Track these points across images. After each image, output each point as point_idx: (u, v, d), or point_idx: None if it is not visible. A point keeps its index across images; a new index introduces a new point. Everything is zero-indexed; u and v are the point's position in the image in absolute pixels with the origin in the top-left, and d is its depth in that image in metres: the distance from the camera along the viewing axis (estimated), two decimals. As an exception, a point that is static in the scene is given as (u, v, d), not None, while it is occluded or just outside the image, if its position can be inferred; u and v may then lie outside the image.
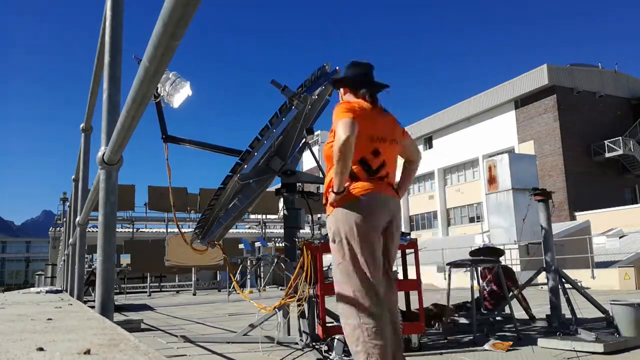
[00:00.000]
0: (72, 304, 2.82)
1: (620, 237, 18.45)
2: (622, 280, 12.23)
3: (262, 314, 4.44)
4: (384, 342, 2.39)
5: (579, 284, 5.35)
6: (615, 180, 30.47)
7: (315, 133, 5.19)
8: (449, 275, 5.50)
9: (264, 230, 24.70)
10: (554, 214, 5.55)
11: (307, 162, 36.12)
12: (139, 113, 1.39)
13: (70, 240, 5.27)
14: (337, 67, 4.64)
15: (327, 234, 3.41)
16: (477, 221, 32.17)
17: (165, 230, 22.73)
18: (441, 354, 3.80)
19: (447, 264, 5.58)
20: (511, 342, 4.00)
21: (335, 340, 3.68)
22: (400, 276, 4.75)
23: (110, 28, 1.87)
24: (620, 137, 29.67)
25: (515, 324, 4.59)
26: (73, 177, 5.34)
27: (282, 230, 8.70)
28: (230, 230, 5.35)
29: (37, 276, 28.10)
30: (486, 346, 3.97)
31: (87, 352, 0.97)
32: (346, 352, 3.69)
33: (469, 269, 5.11)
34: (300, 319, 4.10)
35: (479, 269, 5.39)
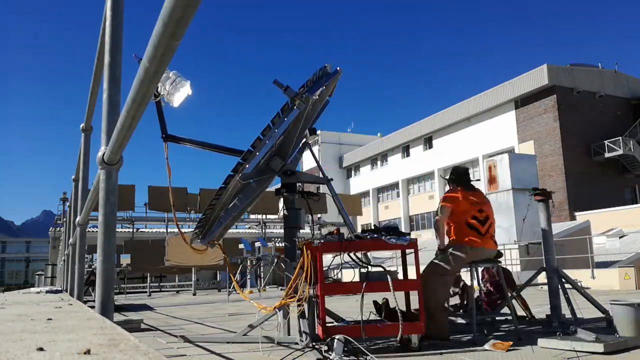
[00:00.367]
0: (72, 304, 2.82)
1: (620, 237, 18.45)
2: (622, 280, 12.23)
3: (262, 314, 4.44)
4: None
5: (579, 284, 5.35)
6: (615, 180, 30.49)
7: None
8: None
9: (264, 230, 24.69)
10: (554, 214, 5.55)
11: (307, 162, 36.13)
12: (139, 113, 1.39)
13: (70, 240, 5.27)
14: (339, 68, 4.63)
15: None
16: (477, 221, 32.15)
17: (165, 230, 22.71)
18: (441, 354, 3.80)
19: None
20: (511, 342, 4.00)
21: (335, 340, 3.68)
22: (400, 276, 4.75)
23: (110, 28, 1.87)
24: (620, 137, 29.69)
25: (515, 324, 4.59)
26: (73, 177, 5.34)
27: (282, 230, 8.71)
28: (230, 230, 5.36)
29: (37, 276, 28.12)
30: (486, 346, 3.97)
31: (87, 352, 0.97)
32: (346, 352, 3.69)
33: (468, 269, 5.10)
34: (300, 319, 4.09)
35: (479, 269, 5.39)
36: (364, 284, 4.00)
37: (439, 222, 4.75)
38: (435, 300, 4.36)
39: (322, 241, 4.08)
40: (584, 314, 5.13)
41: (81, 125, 4.01)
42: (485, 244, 4.62)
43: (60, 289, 6.84)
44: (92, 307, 2.04)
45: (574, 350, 3.68)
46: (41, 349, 1.05)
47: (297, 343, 4.13)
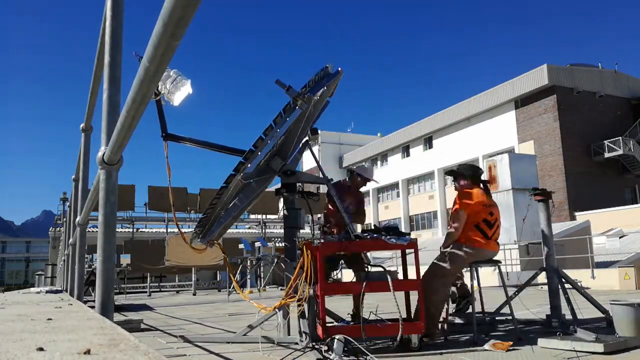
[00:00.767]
0: (72, 304, 2.82)
1: (620, 237, 18.44)
2: (622, 280, 12.22)
3: (262, 314, 4.44)
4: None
5: (579, 284, 5.35)
6: (615, 180, 30.48)
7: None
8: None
9: (264, 230, 24.69)
10: (554, 214, 5.54)
11: (307, 162, 36.14)
12: (139, 113, 1.39)
13: (70, 240, 5.27)
14: (340, 69, 4.63)
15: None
16: (477, 221, 32.16)
17: (165, 230, 22.72)
18: (441, 354, 3.80)
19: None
20: (511, 342, 4.00)
21: (335, 340, 3.68)
22: (400, 276, 4.75)
23: (110, 28, 1.87)
24: (620, 137, 29.68)
25: (515, 324, 4.59)
26: (73, 177, 5.34)
27: (282, 230, 8.70)
28: (230, 230, 5.36)
29: (37, 276, 28.10)
30: (486, 346, 3.97)
31: (87, 352, 0.97)
32: (346, 352, 3.69)
33: (468, 269, 5.10)
34: (300, 319, 4.10)
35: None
36: (364, 284, 4.01)
37: (457, 233, 4.55)
38: (434, 301, 4.36)
39: (322, 241, 4.08)
40: (584, 314, 5.13)
41: (81, 125, 4.01)
42: (488, 246, 4.61)
43: (60, 289, 6.83)
44: (92, 307, 2.04)
45: (574, 350, 3.68)
46: (41, 349, 1.05)
47: (297, 343, 4.13)
